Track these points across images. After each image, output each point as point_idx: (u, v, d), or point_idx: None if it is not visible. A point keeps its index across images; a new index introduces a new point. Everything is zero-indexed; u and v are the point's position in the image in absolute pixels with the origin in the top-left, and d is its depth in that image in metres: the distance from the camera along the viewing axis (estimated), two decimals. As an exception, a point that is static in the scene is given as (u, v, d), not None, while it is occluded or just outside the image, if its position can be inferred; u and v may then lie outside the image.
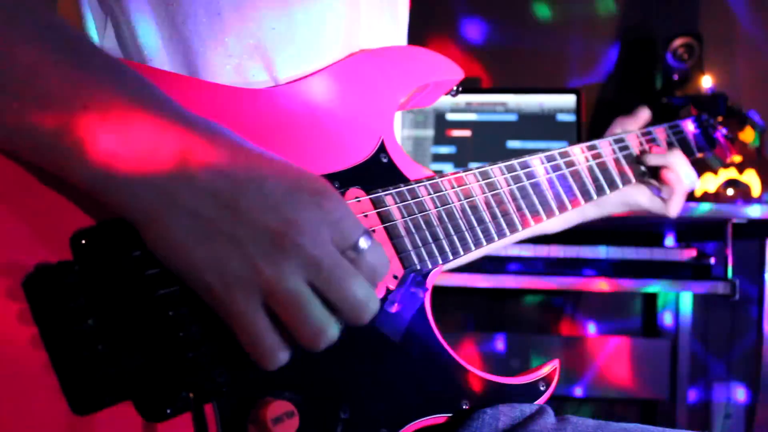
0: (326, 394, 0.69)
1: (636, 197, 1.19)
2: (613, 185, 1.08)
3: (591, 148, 1.07)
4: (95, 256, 0.57)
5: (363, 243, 0.58)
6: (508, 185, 0.92)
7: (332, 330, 0.57)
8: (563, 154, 1.02)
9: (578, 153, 1.04)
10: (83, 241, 0.57)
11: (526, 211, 0.93)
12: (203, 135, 0.57)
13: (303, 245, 0.55)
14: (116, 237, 0.57)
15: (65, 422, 0.55)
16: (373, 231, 0.77)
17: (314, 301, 0.56)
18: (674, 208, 1.18)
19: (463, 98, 2.58)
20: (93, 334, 0.56)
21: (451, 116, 2.60)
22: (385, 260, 0.60)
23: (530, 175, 0.96)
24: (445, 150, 2.58)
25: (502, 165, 0.93)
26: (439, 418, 0.78)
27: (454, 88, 0.96)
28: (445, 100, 2.55)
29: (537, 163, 0.97)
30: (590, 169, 1.05)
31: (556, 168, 1.00)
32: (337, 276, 0.56)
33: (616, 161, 1.10)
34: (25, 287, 0.55)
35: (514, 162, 0.95)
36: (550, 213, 0.97)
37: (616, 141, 1.12)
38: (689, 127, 1.29)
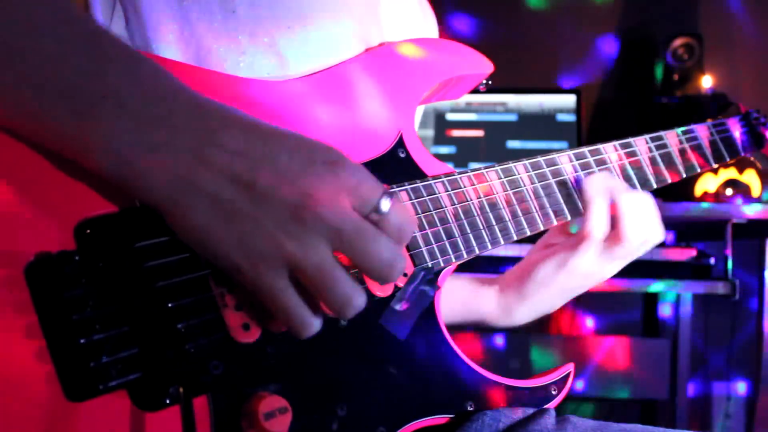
0: (324, 391, 0.69)
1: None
2: (646, 185, 1.01)
3: (625, 146, 1.01)
4: (98, 246, 0.57)
5: (384, 204, 0.58)
6: (532, 183, 0.89)
7: (359, 299, 0.58)
8: (594, 152, 0.97)
9: (611, 151, 0.99)
10: (87, 231, 0.57)
11: (549, 210, 0.90)
12: (217, 119, 0.58)
13: (322, 214, 0.56)
14: (120, 228, 0.58)
15: (59, 408, 0.56)
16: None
17: (339, 272, 0.57)
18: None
19: (463, 98, 2.58)
20: (90, 323, 0.56)
21: (451, 116, 2.60)
22: (409, 218, 0.61)
23: (556, 173, 0.92)
24: (445, 150, 2.58)
25: (526, 162, 0.90)
26: (441, 419, 0.78)
27: (483, 81, 0.93)
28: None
29: (564, 161, 0.93)
30: (623, 168, 0.99)
31: (585, 166, 0.95)
32: (360, 240, 0.57)
33: (652, 160, 1.03)
34: (26, 275, 0.56)
35: (540, 159, 0.91)
36: (575, 213, 0.92)
37: (653, 139, 1.04)
38: (735, 125, 1.22)
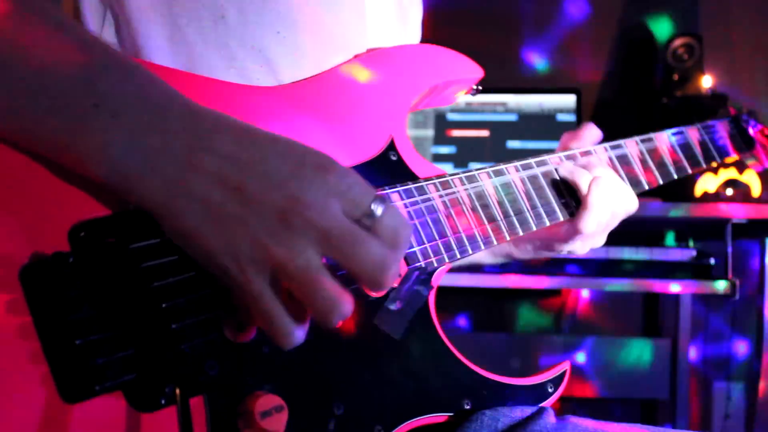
0: (320, 390, 0.69)
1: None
2: (637, 185, 1.03)
3: (615, 147, 1.03)
4: (92, 248, 0.57)
5: (376, 208, 0.57)
6: (523, 184, 0.90)
7: (345, 305, 0.57)
8: (584, 154, 0.98)
9: (601, 152, 1.00)
10: (82, 234, 0.57)
11: (541, 211, 0.90)
12: (209, 124, 0.58)
13: (311, 219, 0.55)
14: (115, 230, 0.58)
15: (54, 409, 0.56)
16: None
17: (325, 276, 0.56)
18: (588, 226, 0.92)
19: (463, 98, 2.58)
20: (86, 324, 0.56)
21: (451, 116, 2.60)
22: (403, 222, 0.59)
23: (547, 174, 0.93)
24: (445, 150, 2.58)
25: (517, 163, 0.91)
26: (438, 418, 0.78)
27: (474, 87, 0.94)
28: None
29: (555, 162, 0.94)
30: (613, 169, 1.00)
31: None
32: (349, 243, 0.56)
33: (642, 161, 1.04)
34: (21, 276, 0.56)
35: (531, 160, 0.92)
36: (567, 214, 0.93)
37: (644, 140, 1.05)
38: (725, 126, 1.24)
